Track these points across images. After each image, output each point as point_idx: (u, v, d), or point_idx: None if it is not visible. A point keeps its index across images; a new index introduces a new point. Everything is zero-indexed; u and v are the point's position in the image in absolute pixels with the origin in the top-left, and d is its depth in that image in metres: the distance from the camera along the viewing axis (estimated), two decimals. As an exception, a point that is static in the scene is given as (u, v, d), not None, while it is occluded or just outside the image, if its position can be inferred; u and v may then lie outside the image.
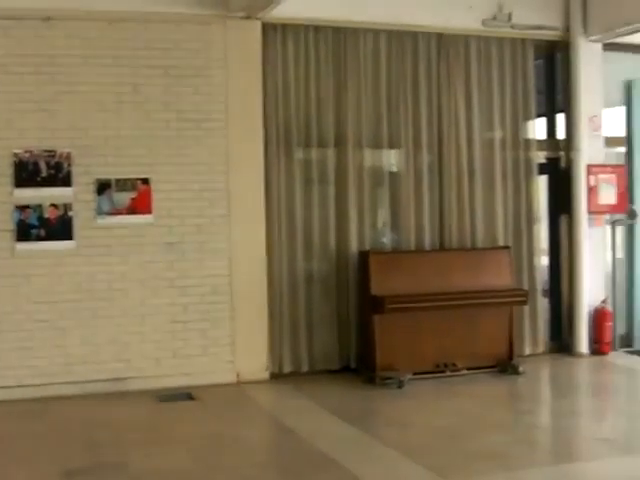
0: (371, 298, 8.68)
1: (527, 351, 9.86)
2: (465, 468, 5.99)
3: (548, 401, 8.73)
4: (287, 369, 9.04)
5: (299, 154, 9.15)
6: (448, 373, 8.92)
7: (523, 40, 10.00)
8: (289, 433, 7.01)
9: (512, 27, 9.84)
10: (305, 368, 9.10)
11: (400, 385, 8.46)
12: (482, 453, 6.34)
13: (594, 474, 6.11)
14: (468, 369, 9.01)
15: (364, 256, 8.99)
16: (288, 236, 9.05)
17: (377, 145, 9.43)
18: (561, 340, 10.25)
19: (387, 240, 9.55)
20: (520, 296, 9.30)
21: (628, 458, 6.45)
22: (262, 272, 8.83)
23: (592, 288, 10.00)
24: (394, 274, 8.87)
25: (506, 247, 9.60)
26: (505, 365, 9.12)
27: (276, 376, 8.92)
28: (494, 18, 9.74)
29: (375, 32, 9.34)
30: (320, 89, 9.20)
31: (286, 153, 9.05)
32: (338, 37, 9.22)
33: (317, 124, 9.18)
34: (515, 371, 9.04)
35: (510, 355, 9.21)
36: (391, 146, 9.51)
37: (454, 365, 8.95)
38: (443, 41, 9.61)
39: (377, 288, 8.71)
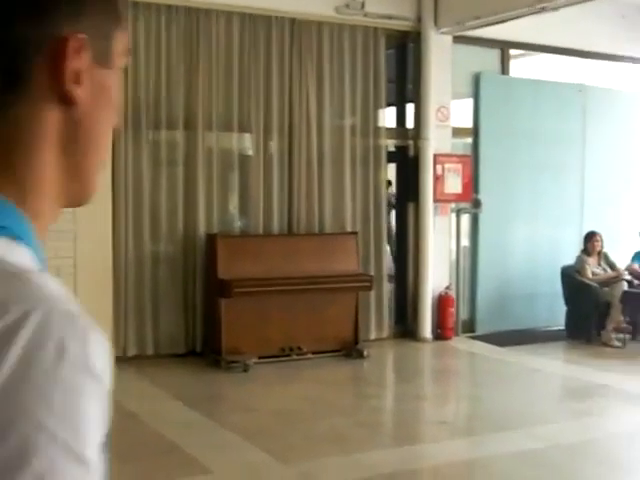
0: (218, 282, 8.69)
1: (372, 336, 10.07)
2: (305, 451, 6.12)
3: (391, 385, 8.97)
4: (131, 352, 8.95)
5: (148, 136, 9.06)
6: (294, 357, 9.03)
7: (375, 29, 10.15)
8: (131, 417, 6.95)
9: (365, 15, 9.98)
10: (150, 351, 9.04)
11: (245, 369, 8.52)
12: (323, 436, 6.47)
13: (432, 456, 6.33)
14: (314, 353, 9.14)
15: (211, 239, 8.99)
16: (135, 218, 8.96)
17: (228, 129, 9.42)
18: (406, 325, 10.52)
19: (236, 224, 9.55)
20: (366, 281, 9.49)
21: (466, 440, 6.71)
22: (107, 254, 8.70)
23: (437, 275, 10.30)
24: (242, 258, 8.90)
25: (353, 233, 9.77)
26: (350, 349, 9.29)
27: (119, 359, 8.81)
28: (347, 6, 9.85)
29: (228, 14, 9.31)
30: (171, 71, 9.11)
31: (134, 135, 8.93)
32: (191, 18, 9.15)
33: (167, 106, 9.10)
34: (360, 355, 9.23)
35: (355, 339, 9.40)
36: (242, 130, 9.52)
37: (300, 349, 9.07)
38: (296, 26, 9.66)
39: (224, 272, 8.72)
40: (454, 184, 10.38)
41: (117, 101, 1.01)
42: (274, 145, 9.64)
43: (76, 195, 1.00)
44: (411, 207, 10.46)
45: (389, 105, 10.63)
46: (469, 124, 10.95)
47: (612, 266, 10.72)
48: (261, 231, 9.48)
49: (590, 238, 10.67)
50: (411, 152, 10.48)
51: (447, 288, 10.36)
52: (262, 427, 6.74)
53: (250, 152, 9.55)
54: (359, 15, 9.96)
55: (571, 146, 11.48)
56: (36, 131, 0.93)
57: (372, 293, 9.86)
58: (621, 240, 11.24)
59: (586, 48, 11.74)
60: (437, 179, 10.26)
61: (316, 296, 9.08)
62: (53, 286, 0.84)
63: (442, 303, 10.28)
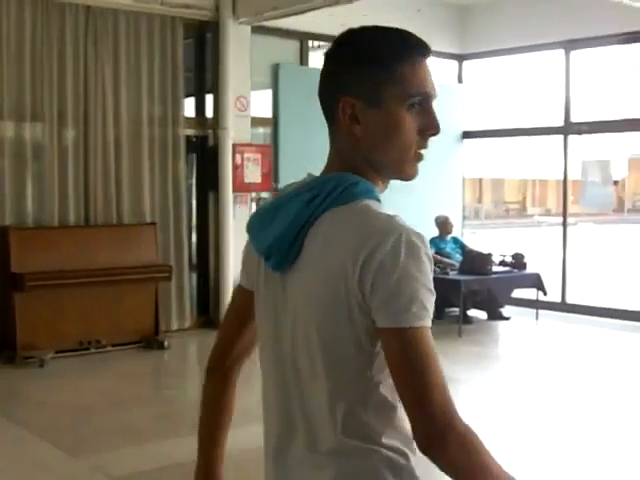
0: (11, 275, 8.54)
1: (175, 326, 10.15)
2: (97, 444, 6.15)
3: (192, 375, 9.03)
4: None
5: None
6: (93, 350, 9.00)
7: (173, 18, 10.18)
8: None
9: (162, 4, 9.99)
10: (-60, 350, 8.76)
11: (41, 364, 8.42)
12: (117, 429, 6.52)
13: (230, 443, 6.44)
14: (113, 345, 9.14)
15: (3, 232, 8.81)
16: None
17: (20, 118, 9.20)
18: (209, 315, 10.62)
19: (30, 215, 9.33)
20: (165, 272, 9.55)
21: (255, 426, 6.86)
22: None
23: (238, 264, 10.32)
24: (36, 251, 8.77)
25: (152, 223, 9.79)
26: (151, 341, 9.33)
27: None
28: (144, -6, 9.83)
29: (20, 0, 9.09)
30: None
31: None
32: (-22, 3, 8.89)
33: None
34: (161, 346, 9.29)
35: (156, 330, 9.44)
36: (35, 119, 9.31)
37: (99, 342, 9.04)
38: (91, 14, 9.54)
39: (17, 265, 8.58)
40: (254, 174, 10.56)
41: (395, 127, 1.75)
42: (69, 134, 9.50)
43: (397, 172, 1.84)
44: (211, 197, 10.56)
45: (188, 95, 10.68)
46: (269, 114, 11.14)
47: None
48: (56, 223, 9.32)
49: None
50: (210, 142, 10.59)
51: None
52: (54, 422, 6.71)
53: (44, 141, 9.34)
54: (156, 4, 9.96)
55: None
56: (350, 147, 1.79)
57: (173, 283, 9.92)
58: (418, 227, 11.66)
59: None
60: (236, 169, 10.41)
61: (114, 288, 9.07)
62: (401, 220, 1.69)
63: (244, 292, 10.41)
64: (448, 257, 11.16)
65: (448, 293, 10.36)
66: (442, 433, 1.55)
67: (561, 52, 12.06)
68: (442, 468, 1.58)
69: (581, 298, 12.49)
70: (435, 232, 11.51)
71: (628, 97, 14.72)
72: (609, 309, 11.72)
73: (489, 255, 10.77)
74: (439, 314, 11.24)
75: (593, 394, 7.75)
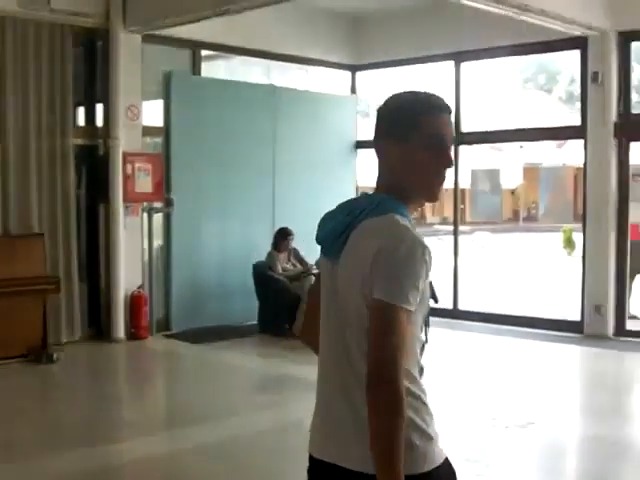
0: None
1: (64, 338, 10.04)
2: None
3: (81, 388, 8.96)
4: None
5: None
6: (-23, 365, 8.82)
7: (62, 26, 10.09)
8: None
9: (51, 11, 9.88)
10: None
11: None
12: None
13: (115, 456, 6.46)
14: (0, 359, 8.96)
15: None
16: None
17: None
18: (99, 326, 10.55)
19: None
20: (53, 283, 9.47)
21: (152, 438, 6.89)
22: None
23: (129, 274, 10.42)
24: None
25: (40, 234, 9.68)
26: (39, 354, 9.23)
27: None
28: (31, 1, 9.69)
29: None
30: None
31: None
32: None
33: None
34: (50, 359, 9.19)
35: (44, 343, 9.31)
36: None
37: (-16, 356, 8.87)
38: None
39: None
40: (145, 183, 10.54)
41: (414, 161, 2.43)
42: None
43: (426, 196, 2.50)
44: (101, 207, 10.49)
45: (78, 104, 10.60)
46: (161, 123, 11.12)
47: (301, 261, 11.31)
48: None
49: (281, 234, 11.19)
50: (101, 151, 10.52)
51: (140, 288, 10.51)
52: None
53: None
54: (44, 11, 9.83)
55: (262, 144, 11.99)
56: (389, 174, 2.48)
57: (62, 295, 9.83)
58: (311, 236, 11.76)
59: (274, 50, 12.29)
60: (127, 178, 10.38)
61: (0, 300, 8.91)
62: (415, 232, 2.29)
63: (135, 303, 10.42)
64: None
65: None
66: (381, 378, 2.20)
67: (451, 63, 12.37)
68: (367, 405, 2.21)
69: (473, 305, 12.77)
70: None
71: (517, 108, 15.17)
72: (500, 315, 12.05)
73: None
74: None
75: (480, 398, 7.97)
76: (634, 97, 11.47)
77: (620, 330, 10.87)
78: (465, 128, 12.56)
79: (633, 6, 10.35)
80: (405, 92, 2.53)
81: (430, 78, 14.26)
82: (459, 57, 12.24)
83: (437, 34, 12.16)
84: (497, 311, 12.45)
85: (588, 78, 10.86)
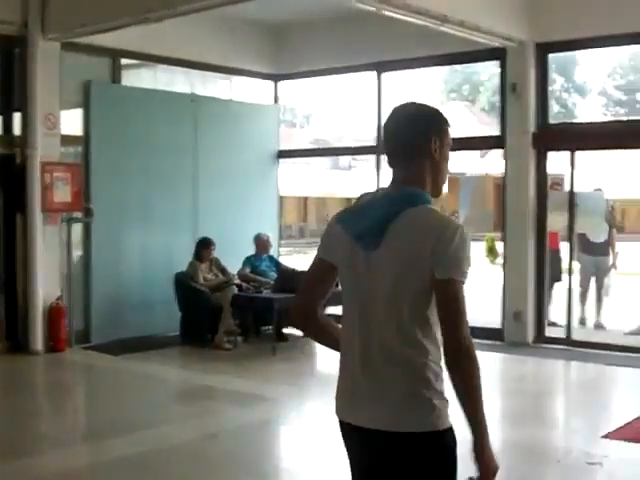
0: None
1: (-18, 352, 9.85)
2: None
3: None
4: None
5: None
6: None
7: (-24, 33, 9.92)
8: None
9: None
10: None
11: None
12: None
13: (28, 472, 6.34)
14: None
15: None
16: None
17: None
18: (17, 339, 10.38)
19: None
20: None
21: (68, 451, 6.80)
22: None
23: (48, 285, 10.29)
24: None
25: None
26: (-46, 367, 9.03)
27: None
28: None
29: None
30: None
31: None
32: None
33: None
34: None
35: (-41, 357, 9.14)
36: None
37: None
38: None
39: None
40: (63, 193, 10.41)
41: (448, 158, 2.94)
42: None
43: (436, 192, 2.90)
44: (19, 217, 10.34)
45: (-5, 112, 10.43)
46: (80, 132, 11.00)
47: (223, 271, 11.28)
48: None
49: (203, 244, 11.15)
50: (18, 160, 10.35)
51: (59, 299, 10.37)
52: None
53: None
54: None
55: (184, 154, 11.96)
56: (429, 169, 2.87)
57: (-21, 307, 9.63)
58: (233, 245, 11.81)
59: (197, 59, 12.27)
60: (45, 188, 10.25)
61: None
62: (453, 219, 2.85)
63: (54, 314, 10.28)
64: (263, 275, 11.33)
65: (262, 311, 10.52)
66: (463, 351, 2.69)
67: (373, 74, 12.47)
68: (453, 377, 2.69)
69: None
70: (251, 250, 11.63)
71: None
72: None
73: (302, 272, 10.98)
74: (256, 332, 11.42)
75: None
76: (555, 108, 11.71)
77: (539, 337, 11.09)
78: (387, 138, 12.66)
79: (551, 18, 10.59)
80: (423, 104, 2.99)
81: (353, 88, 14.40)
82: (381, 67, 12.36)
83: (358, 44, 12.26)
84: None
85: (507, 89, 11.07)
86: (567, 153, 10.94)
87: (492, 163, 26.34)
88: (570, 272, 11.20)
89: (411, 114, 2.93)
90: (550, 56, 11.21)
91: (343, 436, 2.95)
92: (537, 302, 11.14)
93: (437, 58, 12.12)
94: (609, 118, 51.67)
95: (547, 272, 11.24)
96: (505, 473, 6.22)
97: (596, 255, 12.38)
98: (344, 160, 37.83)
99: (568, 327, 11.02)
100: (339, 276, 2.95)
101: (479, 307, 14.26)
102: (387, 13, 9.28)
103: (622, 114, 50.40)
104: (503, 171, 11.35)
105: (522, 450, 6.70)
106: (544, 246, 11.13)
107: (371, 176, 12.93)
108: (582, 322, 12.19)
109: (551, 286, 11.89)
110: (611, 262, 12.56)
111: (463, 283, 2.73)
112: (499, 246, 15.77)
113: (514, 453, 6.64)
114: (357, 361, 2.84)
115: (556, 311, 11.87)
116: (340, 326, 2.99)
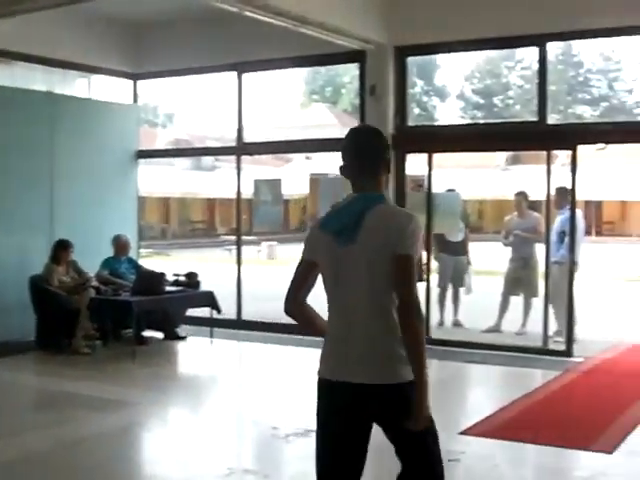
0: None
1: None
2: None
3: None
4: None
5: None
6: None
7: None
8: None
9: None
10: None
11: None
12: None
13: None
14: None
15: None
16: None
17: None
18: None
19: None
20: None
21: None
22: None
23: None
24: None
25: None
26: None
27: None
28: None
29: None
30: None
31: None
32: None
33: None
34: None
35: None
36: None
37: None
38: None
39: None
40: None
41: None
42: None
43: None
44: None
45: None
46: None
47: (80, 273, 11.03)
48: None
49: (60, 246, 10.88)
50: None
51: None
52: None
53: None
54: None
55: (39, 154, 11.65)
56: (383, 181, 3.73)
57: None
58: (91, 247, 11.57)
59: (54, 56, 11.98)
60: None
61: None
62: (411, 211, 3.71)
63: None
64: (122, 278, 11.15)
65: (121, 315, 10.36)
66: (414, 310, 3.45)
67: (234, 74, 12.46)
68: (405, 331, 3.43)
69: (256, 315, 12.80)
70: (110, 252, 11.44)
71: (303, 119, 15.47)
72: (285, 325, 12.19)
73: (162, 274, 10.90)
74: (115, 336, 11.23)
75: (262, 407, 8.08)
76: (416, 110, 11.96)
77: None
78: (248, 138, 12.70)
79: (409, 22, 10.80)
80: (373, 127, 3.86)
81: (214, 88, 14.36)
82: (241, 68, 12.35)
83: (218, 44, 12.21)
84: (281, 320, 12.58)
85: (366, 91, 11.24)
86: (425, 155, 11.19)
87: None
88: (428, 272, 11.42)
89: (374, 136, 3.78)
90: (410, 59, 11.42)
91: (329, 394, 3.62)
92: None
93: (298, 60, 12.20)
94: (467, 121, 53.32)
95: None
96: (374, 474, 6.31)
97: (455, 255, 12.67)
98: (207, 160, 37.72)
99: (426, 326, 11.23)
100: (322, 270, 3.69)
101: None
102: (248, 13, 9.29)
103: (479, 117, 52.05)
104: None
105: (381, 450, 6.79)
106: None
107: (233, 177, 12.91)
108: (440, 324, 12.39)
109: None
110: (467, 260, 12.87)
111: (414, 256, 3.51)
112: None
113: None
114: (346, 332, 3.59)
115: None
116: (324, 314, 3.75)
